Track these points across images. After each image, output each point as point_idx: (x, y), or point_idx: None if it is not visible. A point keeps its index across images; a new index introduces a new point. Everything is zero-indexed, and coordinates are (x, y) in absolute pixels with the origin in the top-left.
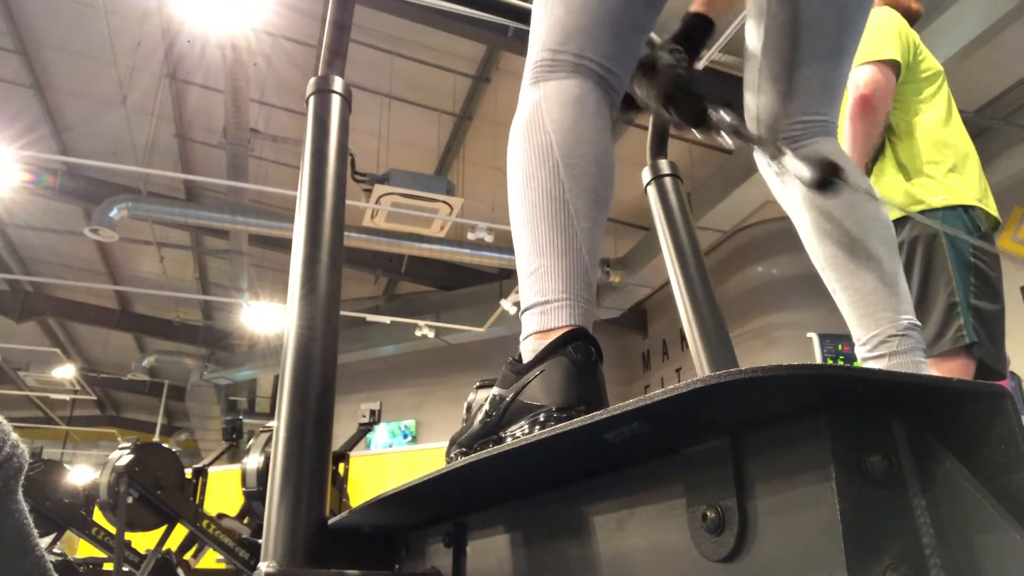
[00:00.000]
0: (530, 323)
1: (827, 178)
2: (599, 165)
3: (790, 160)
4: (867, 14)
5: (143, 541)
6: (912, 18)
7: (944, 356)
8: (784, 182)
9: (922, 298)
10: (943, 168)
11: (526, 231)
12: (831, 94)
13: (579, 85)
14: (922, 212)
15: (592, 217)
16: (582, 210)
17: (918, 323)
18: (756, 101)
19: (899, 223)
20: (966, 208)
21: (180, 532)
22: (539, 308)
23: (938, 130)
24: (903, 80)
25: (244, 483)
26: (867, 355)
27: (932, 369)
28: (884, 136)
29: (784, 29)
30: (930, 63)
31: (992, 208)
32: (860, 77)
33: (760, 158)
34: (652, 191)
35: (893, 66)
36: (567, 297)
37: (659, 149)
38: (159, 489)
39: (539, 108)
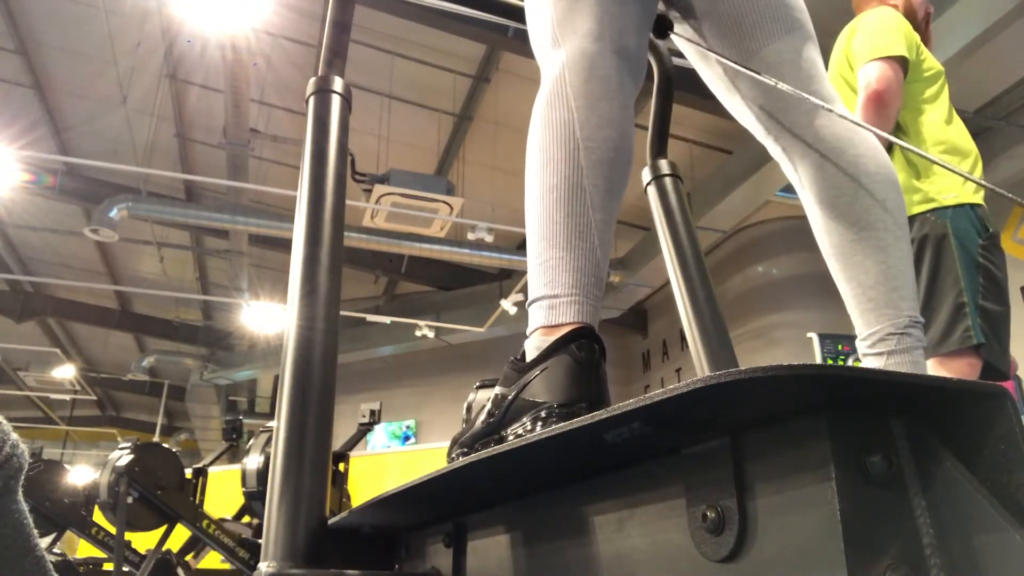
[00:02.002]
0: (537, 316)
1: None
2: (618, 152)
3: None
4: None
5: (143, 541)
6: (922, 36)
7: (951, 356)
8: (796, 170)
9: (929, 297)
10: (954, 165)
11: (541, 217)
12: (812, 72)
13: (600, 53)
14: (932, 210)
15: (607, 208)
16: (598, 200)
17: (921, 320)
18: (738, 95)
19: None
20: (973, 206)
21: (180, 533)
22: (547, 302)
23: (942, 129)
24: (908, 79)
25: (244, 483)
26: (866, 351)
27: (937, 368)
28: (893, 135)
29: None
30: (931, 63)
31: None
32: (871, 73)
33: (770, 145)
34: (652, 191)
35: (902, 62)
36: (576, 293)
37: (659, 149)
38: (159, 489)
39: (563, 80)
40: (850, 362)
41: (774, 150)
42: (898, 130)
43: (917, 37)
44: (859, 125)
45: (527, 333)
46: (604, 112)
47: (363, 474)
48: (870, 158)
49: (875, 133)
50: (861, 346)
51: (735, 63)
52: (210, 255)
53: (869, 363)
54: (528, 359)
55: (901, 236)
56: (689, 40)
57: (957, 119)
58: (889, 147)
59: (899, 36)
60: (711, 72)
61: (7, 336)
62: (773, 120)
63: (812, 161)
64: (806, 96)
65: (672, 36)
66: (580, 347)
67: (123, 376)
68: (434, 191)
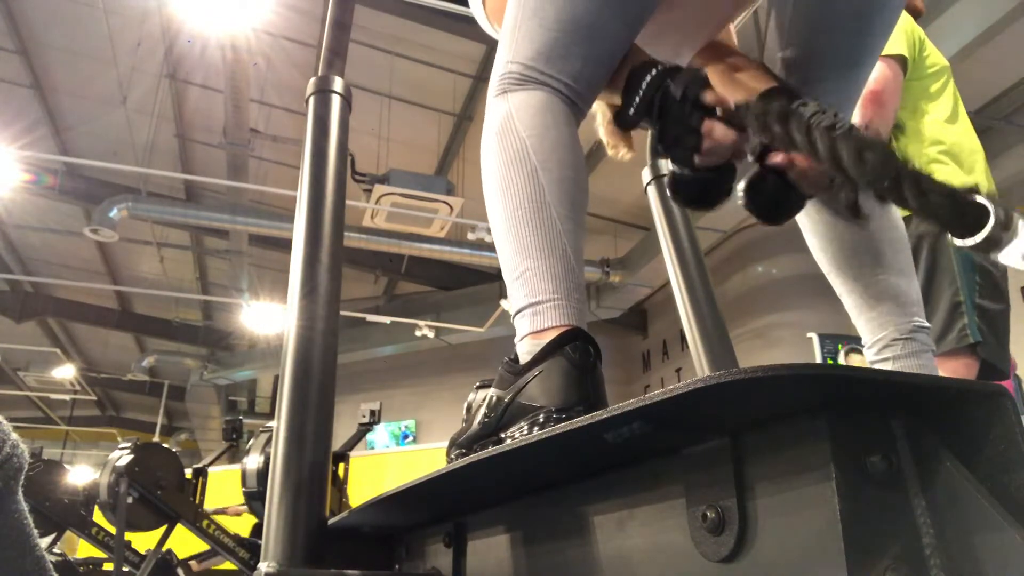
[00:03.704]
0: (523, 326)
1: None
2: (575, 170)
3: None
4: (890, 28)
5: (143, 541)
6: (915, 15)
7: (948, 355)
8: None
9: (926, 297)
10: (951, 166)
11: (509, 237)
12: (847, 104)
13: (547, 98)
14: None
15: (573, 219)
16: (563, 212)
17: (926, 324)
18: None
19: (905, 221)
20: None
21: (183, 534)
22: (531, 309)
23: (945, 127)
24: (909, 77)
25: (244, 483)
26: (874, 358)
27: (936, 368)
28: (891, 135)
29: (803, 45)
30: (936, 59)
31: None
32: None
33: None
34: (652, 191)
35: (901, 61)
36: (558, 297)
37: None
38: (159, 489)
39: (510, 116)
40: (841, 357)
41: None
42: (896, 129)
43: (920, 32)
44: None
45: (516, 341)
46: (555, 138)
47: (363, 474)
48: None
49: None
50: (868, 354)
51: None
52: (210, 255)
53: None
54: (522, 362)
55: (899, 248)
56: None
57: (963, 117)
58: (888, 143)
59: (899, 34)
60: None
61: (7, 336)
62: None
63: None
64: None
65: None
66: (575, 349)
67: (123, 376)
68: (434, 191)
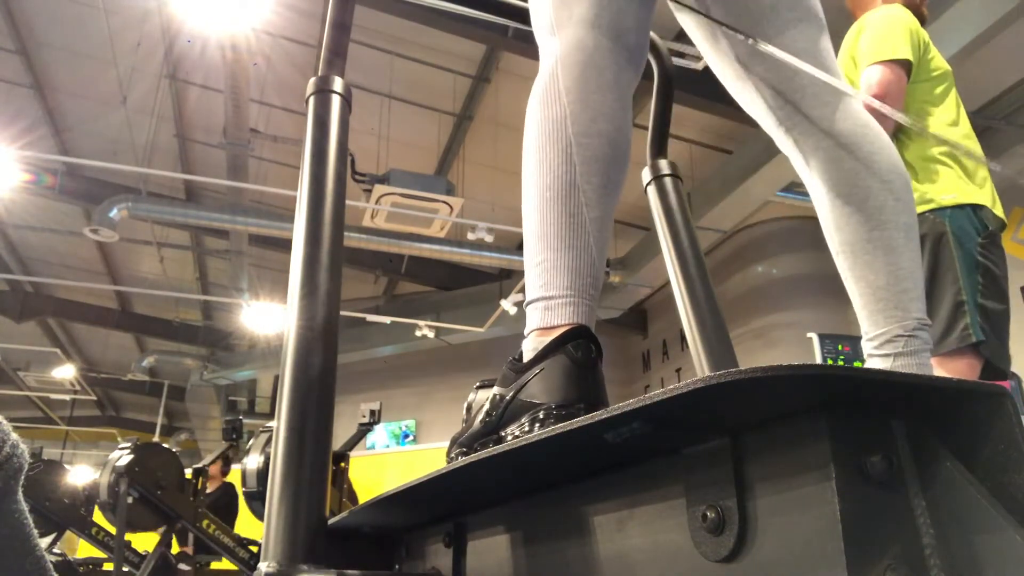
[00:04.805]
0: (533, 318)
1: None
2: (613, 146)
3: None
4: None
5: (143, 541)
6: (921, 21)
7: (950, 355)
8: (808, 164)
9: (928, 296)
10: (953, 168)
11: (536, 217)
12: (827, 64)
13: (596, 42)
14: (932, 211)
15: (602, 205)
16: (593, 197)
17: (928, 321)
18: (750, 82)
19: None
20: (975, 207)
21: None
22: (543, 303)
23: (949, 130)
24: (913, 79)
25: (244, 483)
26: (873, 351)
27: (937, 368)
28: (894, 135)
29: None
30: (939, 62)
31: (999, 210)
32: (872, 77)
33: (780, 137)
34: (652, 191)
35: (904, 65)
36: (571, 294)
37: (659, 149)
38: (159, 489)
39: (555, 75)
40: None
41: (784, 142)
42: (901, 131)
43: (925, 35)
44: (893, 115)
45: (524, 334)
46: (597, 105)
47: (363, 474)
48: (885, 156)
49: (898, 117)
50: (867, 346)
51: (748, 36)
52: (210, 255)
53: (875, 364)
54: (525, 360)
55: (912, 237)
56: (697, 11)
57: (965, 120)
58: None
59: (904, 38)
60: (721, 57)
61: (7, 336)
62: (787, 110)
63: (825, 155)
64: (833, 80)
65: (679, 16)
66: (577, 347)
67: (123, 376)
68: (434, 191)
